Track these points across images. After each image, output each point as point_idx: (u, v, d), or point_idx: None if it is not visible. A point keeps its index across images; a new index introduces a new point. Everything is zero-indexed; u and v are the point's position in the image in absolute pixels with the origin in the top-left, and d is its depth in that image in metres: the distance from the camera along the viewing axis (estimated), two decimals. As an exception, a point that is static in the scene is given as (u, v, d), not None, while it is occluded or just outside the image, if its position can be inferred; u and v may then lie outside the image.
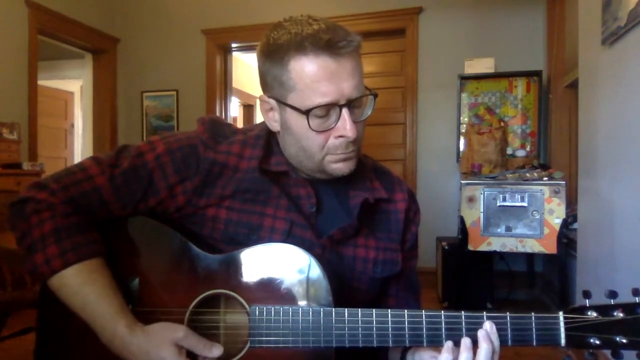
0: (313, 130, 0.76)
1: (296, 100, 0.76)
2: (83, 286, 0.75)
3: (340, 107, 0.76)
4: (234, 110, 5.85)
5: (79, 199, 0.79)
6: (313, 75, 0.74)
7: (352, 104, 0.77)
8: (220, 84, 4.56)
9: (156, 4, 4.65)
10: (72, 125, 6.10)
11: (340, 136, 0.77)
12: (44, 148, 4.44)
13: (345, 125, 0.76)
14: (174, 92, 4.60)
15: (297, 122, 0.78)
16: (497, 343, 0.68)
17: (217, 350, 0.74)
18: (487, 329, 0.68)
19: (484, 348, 0.67)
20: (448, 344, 0.69)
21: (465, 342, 0.69)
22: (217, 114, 4.51)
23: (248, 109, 6.85)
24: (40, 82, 4.08)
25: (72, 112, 6.10)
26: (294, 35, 0.75)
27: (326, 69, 0.74)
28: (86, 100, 4.87)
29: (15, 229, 0.79)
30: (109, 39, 4.65)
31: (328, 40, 0.73)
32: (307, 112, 0.75)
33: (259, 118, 6.92)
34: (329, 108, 0.76)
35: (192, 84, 4.54)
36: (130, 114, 4.74)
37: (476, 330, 0.69)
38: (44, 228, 0.76)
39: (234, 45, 4.55)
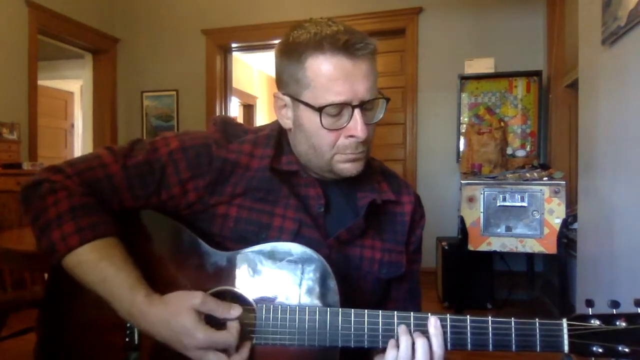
0: (324, 128, 0.78)
1: (310, 98, 0.78)
2: (100, 261, 0.75)
3: (353, 107, 0.77)
4: (234, 110, 5.85)
5: (93, 184, 0.80)
6: (329, 74, 0.76)
7: (364, 106, 0.78)
8: (220, 84, 4.56)
9: (156, 4, 4.65)
10: (72, 125, 6.10)
11: (351, 136, 0.79)
12: (44, 148, 4.44)
13: (356, 125, 0.77)
14: (174, 92, 4.60)
15: (310, 119, 0.79)
16: (435, 341, 0.70)
17: (236, 311, 0.74)
18: (432, 324, 0.70)
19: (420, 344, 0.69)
20: (391, 341, 0.71)
21: (402, 328, 0.71)
22: (217, 114, 4.52)
23: (248, 109, 6.85)
24: (40, 82, 4.08)
25: (72, 112, 6.10)
26: (313, 35, 0.77)
27: (342, 68, 0.76)
28: (86, 100, 4.88)
29: (29, 210, 0.79)
30: (109, 39, 4.65)
31: (346, 41, 0.75)
32: (320, 109, 0.77)
33: (259, 118, 6.92)
34: (342, 107, 0.77)
35: (192, 84, 4.54)
36: (130, 114, 4.74)
37: (480, 334, 0.70)
38: (60, 207, 0.76)
39: (234, 45, 4.56)
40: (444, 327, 0.71)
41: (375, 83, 0.79)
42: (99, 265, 0.75)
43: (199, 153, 0.83)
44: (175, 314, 0.72)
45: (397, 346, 0.70)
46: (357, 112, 0.77)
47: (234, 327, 0.73)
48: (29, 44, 3.78)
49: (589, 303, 0.70)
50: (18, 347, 2.05)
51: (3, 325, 2.02)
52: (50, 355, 0.84)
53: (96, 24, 4.48)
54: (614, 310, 0.68)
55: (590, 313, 0.69)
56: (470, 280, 3.08)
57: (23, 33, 3.74)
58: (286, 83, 0.81)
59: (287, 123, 0.84)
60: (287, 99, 0.82)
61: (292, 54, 0.79)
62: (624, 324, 0.67)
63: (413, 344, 0.70)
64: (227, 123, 0.89)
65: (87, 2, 4.42)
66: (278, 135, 0.87)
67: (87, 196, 0.79)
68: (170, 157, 0.83)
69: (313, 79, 0.77)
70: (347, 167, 0.82)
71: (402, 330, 0.71)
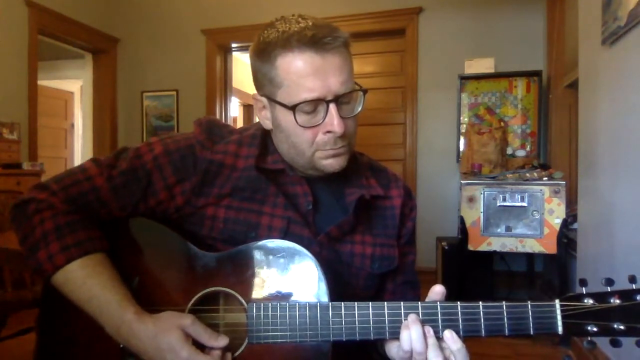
0: (300, 126, 0.77)
1: (284, 97, 0.77)
2: (88, 278, 0.75)
3: (327, 102, 0.76)
4: (234, 110, 5.85)
5: (79, 199, 0.80)
6: (299, 71, 0.75)
7: (340, 100, 0.77)
8: (220, 84, 4.57)
9: (156, 4, 4.66)
10: (72, 125, 6.11)
11: (328, 132, 0.78)
12: (44, 148, 4.44)
13: (332, 120, 0.76)
14: (174, 92, 4.61)
15: (286, 118, 0.79)
16: (453, 346, 0.68)
17: (223, 341, 0.74)
18: (447, 337, 0.68)
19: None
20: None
21: (412, 317, 0.69)
22: (217, 114, 4.52)
23: (248, 108, 6.84)
24: (40, 82, 4.08)
25: (72, 112, 6.11)
26: (281, 33, 0.76)
27: (311, 64, 0.75)
28: (86, 100, 4.88)
29: (18, 230, 0.79)
30: (109, 39, 4.65)
31: (312, 36, 0.74)
32: (293, 108, 0.76)
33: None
34: (317, 104, 0.76)
35: (192, 84, 4.54)
36: (130, 114, 4.74)
37: (471, 320, 0.69)
38: (46, 226, 0.76)
39: (234, 45, 4.56)
40: (434, 314, 0.70)
41: (350, 75, 0.78)
42: (87, 283, 0.75)
43: (183, 156, 0.83)
44: (163, 330, 0.72)
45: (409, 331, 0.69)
46: (332, 107, 0.76)
47: (216, 354, 0.73)
48: (29, 44, 3.78)
49: (583, 282, 0.69)
50: (18, 347, 2.05)
51: (3, 325, 2.02)
52: (50, 356, 0.84)
53: (96, 24, 4.48)
54: (608, 288, 0.67)
55: (584, 292, 0.68)
56: (470, 280, 3.07)
57: (23, 33, 3.75)
58: (262, 84, 0.81)
59: (267, 124, 0.84)
60: (264, 100, 0.82)
61: (263, 54, 0.78)
62: (618, 301, 0.66)
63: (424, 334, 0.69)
64: (212, 124, 0.88)
65: (87, 2, 4.42)
66: (263, 135, 0.87)
67: (72, 214, 0.79)
68: (155, 162, 0.82)
69: (285, 78, 0.76)
70: (330, 163, 0.81)
71: (411, 319, 0.70)
